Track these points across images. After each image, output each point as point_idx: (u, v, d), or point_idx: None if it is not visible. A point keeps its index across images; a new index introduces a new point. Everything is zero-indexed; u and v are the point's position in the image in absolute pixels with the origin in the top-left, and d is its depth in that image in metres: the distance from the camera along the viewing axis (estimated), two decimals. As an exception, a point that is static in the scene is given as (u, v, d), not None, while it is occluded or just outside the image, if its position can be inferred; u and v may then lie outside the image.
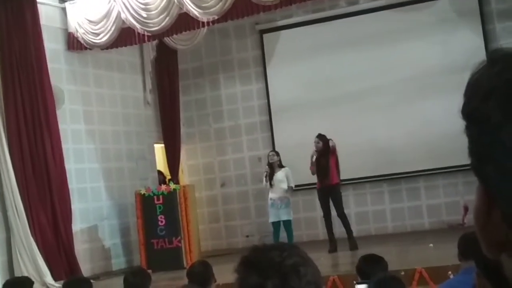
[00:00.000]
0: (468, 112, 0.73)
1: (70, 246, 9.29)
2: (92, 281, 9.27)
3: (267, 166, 9.88)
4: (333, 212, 9.59)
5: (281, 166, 9.80)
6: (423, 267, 6.92)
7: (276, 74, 12.05)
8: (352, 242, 9.40)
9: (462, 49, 10.46)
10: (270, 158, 9.84)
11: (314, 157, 9.52)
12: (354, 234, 9.70)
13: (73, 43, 10.14)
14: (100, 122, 10.79)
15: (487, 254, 0.73)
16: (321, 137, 9.55)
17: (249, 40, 12.38)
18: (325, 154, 9.44)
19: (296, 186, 10.60)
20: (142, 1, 9.63)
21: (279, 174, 9.70)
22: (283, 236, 9.67)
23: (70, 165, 9.84)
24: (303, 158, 10.70)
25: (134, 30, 9.77)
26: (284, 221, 9.67)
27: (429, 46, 11.12)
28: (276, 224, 9.73)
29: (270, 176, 9.71)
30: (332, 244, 9.49)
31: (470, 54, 9.89)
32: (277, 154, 9.91)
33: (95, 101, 10.75)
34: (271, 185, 9.71)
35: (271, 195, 9.76)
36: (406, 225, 11.34)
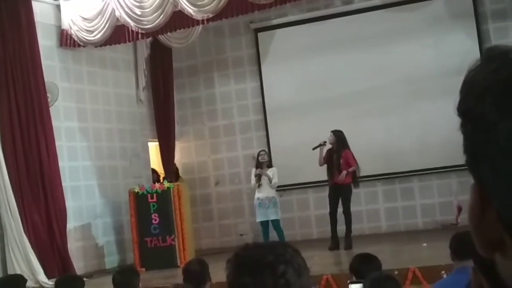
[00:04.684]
0: (463, 109, 0.73)
1: (63, 244, 9.27)
2: (85, 279, 9.26)
3: (260, 169, 9.74)
4: (339, 210, 9.56)
5: (269, 166, 9.79)
6: (416, 267, 6.93)
7: (271, 73, 12.05)
8: (348, 242, 9.40)
9: (456, 50, 10.48)
10: (262, 157, 9.79)
11: (324, 147, 9.47)
12: (348, 233, 9.71)
13: (67, 40, 10.11)
14: (94, 119, 10.76)
15: (481, 253, 0.73)
16: (335, 132, 9.52)
17: (244, 39, 12.37)
18: (337, 151, 9.42)
19: (289, 185, 10.61)
20: (137, -1, 9.61)
21: (267, 174, 9.68)
22: (272, 235, 9.66)
23: (64, 163, 9.82)
24: (298, 157, 10.73)
25: (128, 28, 9.75)
26: (272, 221, 9.67)
27: (423, 47, 11.14)
28: (264, 223, 9.72)
29: (259, 177, 9.68)
30: (334, 242, 9.47)
31: (464, 55, 9.90)
32: (267, 154, 9.88)
33: (88, 98, 10.72)
34: (259, 185, 9.69)
35: (258, 195, 9.73)
36: (400, 225, 11.36)
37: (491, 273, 0.72)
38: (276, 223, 9.68)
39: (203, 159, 12.63)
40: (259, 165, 9.77)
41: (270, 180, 9.62)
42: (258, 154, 9.90)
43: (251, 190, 11.77)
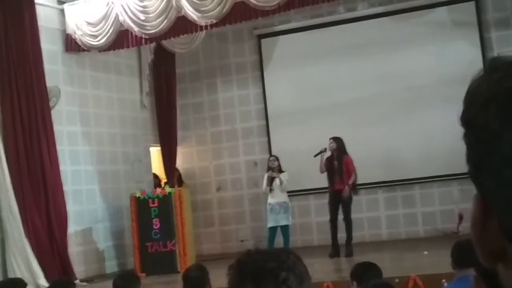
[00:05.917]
0: (466, 119, 0.73)
1: (64, 248, 9.26)
2: (85, 283, 9.28)
3: (271, 171, 9.77)
4: (339, 217, 9.55)
5: (280, 171, 9.79)
6: (417, 275, 6.91)
7: (274, 79, 12.05)
8: (349, 249, 9.39)
9: (459, 58, 10.49)
10: (271, 163, 9.79)
11: (325, 154, 9.47)
12: (349, 240, 9.69)
13: (71, 45, 10.13)
14: (97, 124, 10.77)
15: (483, 263, 0.73)
16: (335, 139, 9.53)
17: (247, 45, 12.39)
18: (339, 158, 9.41)
19: (291, 191, 10.58)
20: (141, 4, 9.63)
21: (279, 176, 9.69)
22: (277, 241, 9.64)
23: (66, 167, 9.82)
24: (300, 164, 10.71)
25: (132, 33, 9.77)
26: (282, 226, 9.65)
27: (426, 55, 11.13)
28: (273, 230, 9.69)
29: (270, 181, 9.69)
30: (334, 249, 9.46)
31: (467, 63, 9.92)
32: (277, 159, 9.89)
33: (91, 103, 10.74)
34: (270, 190, 9.69)
35: (270, 200, 9.72)
36: (401, 232, 11.34)
37: (493, 283, 0.72)
38: (285, 228, 9.66)
39: (205, 165, 12.62)
40: (270, 170, 9.80)
41: (281, 182, 9.63)
42: (268, 160, 9.95)
43: (253, 195, 11.80)
